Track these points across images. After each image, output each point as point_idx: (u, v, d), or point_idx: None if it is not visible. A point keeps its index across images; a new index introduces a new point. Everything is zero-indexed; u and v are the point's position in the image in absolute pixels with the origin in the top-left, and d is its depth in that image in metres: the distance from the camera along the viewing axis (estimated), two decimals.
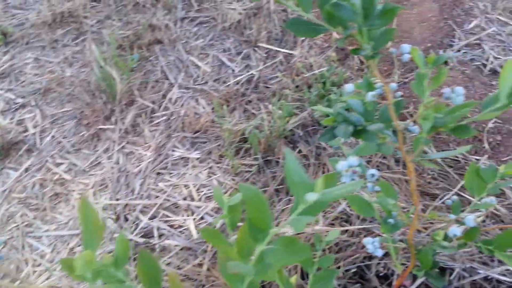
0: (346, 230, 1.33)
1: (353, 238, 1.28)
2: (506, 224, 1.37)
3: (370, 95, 0.78)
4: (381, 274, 1.22)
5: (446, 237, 0.96)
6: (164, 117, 1.71)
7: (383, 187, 0.99)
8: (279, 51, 1.98)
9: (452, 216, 0.87)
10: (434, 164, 1.49)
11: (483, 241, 0.91)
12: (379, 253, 0.98)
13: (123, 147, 1.62)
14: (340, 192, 0.52)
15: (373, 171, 0.78)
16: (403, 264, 1.23)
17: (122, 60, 1.86)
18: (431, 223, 1.36)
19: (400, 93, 0.87)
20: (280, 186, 1.47)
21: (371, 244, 0.99)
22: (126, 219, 1.40)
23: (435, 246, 1.01)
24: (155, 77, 1.90)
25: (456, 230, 0.81)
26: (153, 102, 1.78)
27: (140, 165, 1.55)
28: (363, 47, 0.73)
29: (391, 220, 0.98)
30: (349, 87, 0.81)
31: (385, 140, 0.85)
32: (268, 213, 0.53)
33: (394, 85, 0.84)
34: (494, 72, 1.78)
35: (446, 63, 1.82)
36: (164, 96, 1.81)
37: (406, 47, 0.79)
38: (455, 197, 1.14)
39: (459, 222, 0.92)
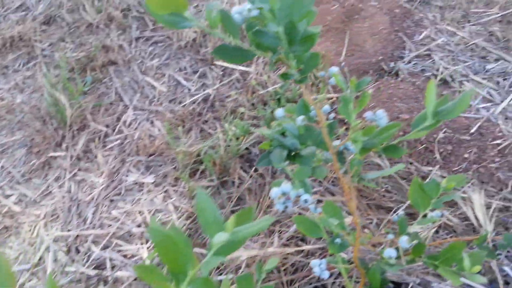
0: (302, 250, 1.33)
1: (308, 259, 1.27)
2: (458, 235, 1.39)
3: (300, 120, 0.78)
4: None
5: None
6: (118, 141, 1.68)
7: (327, 207, 0.98)
8: (235, 68, 1.98)
9: (390, 237, 0.88)
10: (386, 178, 1.51)
11: (429, 256, 0.92)
12: (326, 275, 0.97)
13: (74, 175, 1.58)
14: (252, 230, 0.51)
15: (306, 196, 0.77)
16: (357, 282, 1.24)
17: (74, 84, 1.82)
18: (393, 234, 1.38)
19: (333, 115, 0.87)
20: (237, 207, 1.46)
21: (318, 267, 0.98)
22: (78, 251, 1.35)
23: (382, 264, 1.01)
24: (110, 99, 1.87)
25: (391, 252, 0.82)
26: (107, 126, 1.75)
27: (92, 192, 1.51)
28: (291, 72, 0.73)
29: (338, 240, 0.98)
30: (279, 112, 0.81)
31: (320, 163, 0.85)
32: (185, 253, 0.52)
33: (327, 107, 0.84)
34: (445, 82, 1.83)
35: (397, 74, 1.86)
36: (118, 118, 1.78)
37: (334, 69, 0.79)
38: (401, 213, 1.15)
39: (409, 237, 0.92)
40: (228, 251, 0.53)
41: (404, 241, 0.80)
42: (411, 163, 1.56)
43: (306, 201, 0.82)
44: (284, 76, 0.74)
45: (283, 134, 0.84)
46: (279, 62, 0.74)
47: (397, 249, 0.92)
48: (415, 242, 0.92)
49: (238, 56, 0.74)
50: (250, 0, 0.66)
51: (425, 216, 0.97)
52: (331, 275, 1.28)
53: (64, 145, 1.66)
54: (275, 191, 0.77)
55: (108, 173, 1.57)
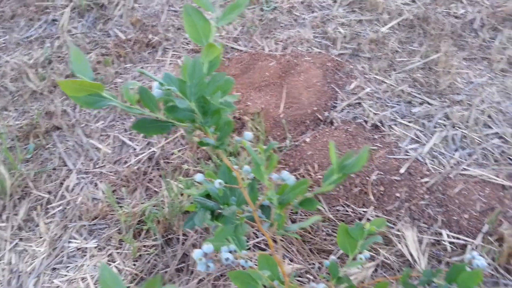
0: None
1: None
2: (395, 272, 1.45)
3: (217, 183, 0.83)
4: None
5: None
6: (60, 207, 1.67)
7: (261, 260, 1.02)
8: (180, 124, 2.04)
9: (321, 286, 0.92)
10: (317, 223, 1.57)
11: None
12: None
13: (15, 245, 1.55)
14: None
15: (227, 255, 0.81)
16: None
17: (15, 153, 1.82)
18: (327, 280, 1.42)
19: (252, 175, 0.93)
20: (182, 264, 1.47)
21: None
22: None
23: None
24: (53, 165, 1.87)
25: (227, 258, 0.85)
26: (49, 192, 1.74)
27: (33, 262, 1.48)
28: (207, 141, 0.80)
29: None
30: (199, 176, 0.86)
31: (243, 221, 0.90)
32: None
33: (247, 168, 0.90)
34: (376, 127, 1.96)
35: (331, 123, 1.98)
36: (61, 184, 1.78)
37: (248, 135, 0.87)
38: (333, 258, 1.21)
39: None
40: None
41: None
42: (348, 206, 1.63)
43: (227, 259, 0.86)
44: (202, 144, 0.81)
45: (208, 196, 0.90)
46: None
47: None
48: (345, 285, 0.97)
49: (157, 128, 0.81)
50: (159, 82, 0.73)
51: (354, 258, 1.03)
52: None
53: (4, 216, 1.63)
54: (197, 253, 0.81)
55: (50, 241, 1.55)
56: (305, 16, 2.61)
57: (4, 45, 2.52)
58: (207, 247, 0.82)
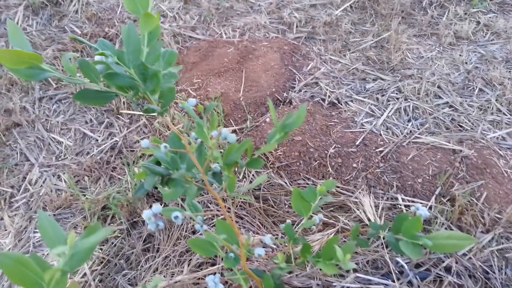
0: (214, 273, 1.38)
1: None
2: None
3: (162, 147, 0.87)
4: None
5: (287, 259, 1.07)
6: (24, 200, 1.66)
7: (219, 225, 1.07)
8: (142, 114, 2.06)
9: (267, 239, 0.97)
10: (249, 196, 1.63)
11: (315, 256, 1.02)
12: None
13: None
14: (93, 241, 0.58)
15: (176, 213, 0.85)
16: None
17: None
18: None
19: (200, 140, 0.97)
20: (148, 245, 1.49)
21: (212, 281, 1.04)
22: None
23: (275, 270, 1.10)
24: (15, 160, 1.85)
25: (260, 251, 0.91)
26: (12, 187, 1.73)
27: None
28: (152, 107, 0.83)
29: (231, 255, 1.06)
30: (144, 142, 0.89)
31: (192, 184, 0.93)
32: (36, 273, 0.58)
33: (194, 134, 0.94)
34: (333, 104, 2.03)
35: (290, 102, 2.03)
36: (24, 178, 1.77)
37: (192, 101, 0.91)
38: (288, 221, 1.26)
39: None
40: (75, 264, 0.58)
41: (268, 239, 0.90)
42: (308, 179, 1.69)
43: (176, 217, 0.90)
44: (147, 111, 0.84)
45: (158, 163, 0.93)
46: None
47: (289, 255, 1.02)
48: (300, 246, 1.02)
49: (99, 98, 0.83)
50: (101, 54, 0.76)
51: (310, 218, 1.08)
52: None
53: None
54: (146, 213, 0.84)
55: (15, 232, 1.55)
56: (260, 3, 2.66)
57: None
58: (156, 207, 0.86)
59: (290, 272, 1.32)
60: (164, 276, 1.33)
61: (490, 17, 2.51)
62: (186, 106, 0.84)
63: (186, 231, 1.49)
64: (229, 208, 1.53)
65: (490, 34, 2.40)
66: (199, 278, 1.32)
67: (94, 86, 0.80)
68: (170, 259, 1.38)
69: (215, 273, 1.20)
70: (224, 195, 1.51)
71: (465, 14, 2.54)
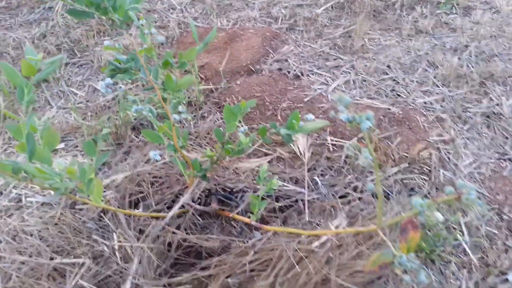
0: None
1: (171, 171, 1.76)
2: (285, 162, 1.91)
3: (117, 45, 1.32)
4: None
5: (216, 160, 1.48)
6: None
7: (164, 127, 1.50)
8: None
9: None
10: None
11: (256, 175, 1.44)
12: (158, 158, 1.46)
13: (5, 150, 2.05)
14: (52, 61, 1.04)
15: (107, 80, 1.29)
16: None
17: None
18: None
19: (162, 37, 1.41)
20: (127, 156, 1.95)
21: (153, 154, 1.47)
22: None
23: (202, 157, 1.52)
24: (39, 104, 2.39)
25: (155, 155, 1.33)
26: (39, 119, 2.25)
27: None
28: (114, 18, 1.30)
29: (171, 142, 1.48)
30: (106, 42, 1.35)
31: (138, 74, 1.38)
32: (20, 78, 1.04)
33: (154, 31, 1.37)
34: (297, 76, 2.45)
35: (261, 72, 2.47)
36: (43, 115, 2.29)
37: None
38: (217, 128, 1.68)
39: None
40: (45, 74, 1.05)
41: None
42: (261, 124, 2.11)
43: (107, 84, 1.33)
44: (117, 26, 1.31)
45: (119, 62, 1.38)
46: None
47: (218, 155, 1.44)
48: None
49: (84, 15, 1.32)
50: None
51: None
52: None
53: None
54: (101, 84, 1.30)
55: None
56: (255, 1, 3.16)
57: (9, 26, 3.10)
58: (108, 80, 1.31)
59: (215, 163, 1.70)
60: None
61: (451, 17, 2.88)
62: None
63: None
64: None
65: (447, 30, 2.76)
66: (157, 170, 1.76)
67: (79, 6, 1.29)
68: (137, 160, 1.82)
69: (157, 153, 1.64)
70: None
71: (431, 14, 2.91)
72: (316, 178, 1.81)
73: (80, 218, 1.61)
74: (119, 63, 1.39)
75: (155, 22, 3.01)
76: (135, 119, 2.12)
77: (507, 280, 1.58)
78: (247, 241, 1.50)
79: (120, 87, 1.33)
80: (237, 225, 1.67)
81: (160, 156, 1.49)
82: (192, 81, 1.36)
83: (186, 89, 2.28)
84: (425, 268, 1.60)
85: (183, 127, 2.11)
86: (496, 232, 1.70)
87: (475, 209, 0.66)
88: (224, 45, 2.70)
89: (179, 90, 1.43)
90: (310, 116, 1.42)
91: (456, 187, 0.74)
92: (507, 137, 2.04)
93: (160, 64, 1.40)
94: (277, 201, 1.72)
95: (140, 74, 1.38)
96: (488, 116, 2.13)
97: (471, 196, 0.70)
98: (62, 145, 2.04)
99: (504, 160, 1.95)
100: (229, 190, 1.73)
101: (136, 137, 2.06)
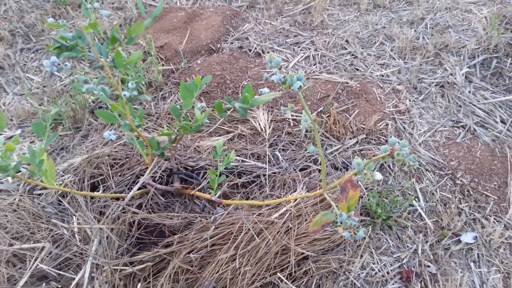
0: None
1: (131, 152, 1.75)
2: (247, 138, 1.93)
3: (61, 22, 1.29)
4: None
5: (173, 139, 1.47)
6: None
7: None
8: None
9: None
10: None
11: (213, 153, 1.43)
12: (113, 137, 1.44)
13: None
14: None
15: (52, 58, 1.27)
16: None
17: None
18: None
19: (106, 12, 1.39)
20: (83, 140, 1.92)
21: (107, 134, 1.45)
22: None
23: (158, 135, 1.51)
24: None
25: (109, 134, 1.31)
26: None
27: None
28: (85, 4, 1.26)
29: (126, 122, 1.47)
30: (50, 19, 1.32)
31: (85, 51, 1.36)
32: None
33: (97, 5, 1.35)
34: (258, 54, 2.45)
35: (222, 51, 2.46)
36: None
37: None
38: (173, 105, 1.67)
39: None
40: None
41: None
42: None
43: (59, 65, 1.32)
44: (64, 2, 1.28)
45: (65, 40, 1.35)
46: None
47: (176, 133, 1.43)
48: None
49: None
50: None
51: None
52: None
53: None
54: (46, 62, 1.27)
55: None
56: None
57: None
58: (53, 58, 1.28)
59: (174, 142, 1.70)
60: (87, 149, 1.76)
61: None
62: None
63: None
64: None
65: (404, 3, 2.81)
66: (116, 152, 1.75)
67: None
68: (96, 143, 1.81)
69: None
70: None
71: None
72: (277, 153, 1.84)
73: (39, 203, 1.59)
74: (66, 41, 1.36)
75: (113, 3, 2.94)
76: (93, 101, 2.08)
77: (460, 241, 1.67)
78: (210, 217, 1.52)
79: (66, 64, 1.30)
80: (200, 202, 1.68)
81: (115, 135, 1.48)
82: (141, 56, 1.34)
83: (145, 69, 2.26)
84: (383, 234, 1.66)
85: (144, 108, 2.10)
86: (450, 196, 1.77)
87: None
88: (183, 24, 2.67)
89: (135, 69, 1.42)
90: (265, 89, 1.44)
91: (389, 143, 0.78)
92: (460, 106, 2.11)
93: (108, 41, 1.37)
94: (239, 177, 1.74)
95: (90, 53, 1.36)
96: (442, 86, 2.20)
97: (403, 152, 0.73)
98: (18, 131, 1.99)
99: (458, 127, 2.03)
100: (190, 168, 1.74)
101: (96, 120, 2.03)
